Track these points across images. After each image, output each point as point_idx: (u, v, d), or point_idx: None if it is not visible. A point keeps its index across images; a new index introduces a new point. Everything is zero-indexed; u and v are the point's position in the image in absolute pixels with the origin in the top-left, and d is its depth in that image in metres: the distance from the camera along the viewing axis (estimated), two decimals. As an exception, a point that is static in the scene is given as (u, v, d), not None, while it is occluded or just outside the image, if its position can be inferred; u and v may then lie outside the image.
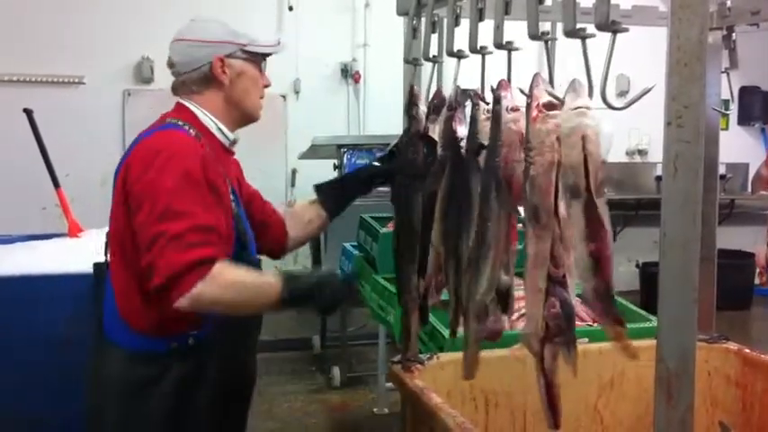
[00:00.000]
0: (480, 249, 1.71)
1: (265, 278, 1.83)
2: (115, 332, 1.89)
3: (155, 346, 1.85)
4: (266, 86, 2.07)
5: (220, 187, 1.86)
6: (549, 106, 1.55)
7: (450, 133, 1.82)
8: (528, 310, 1.66)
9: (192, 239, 1.71)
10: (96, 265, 2.01)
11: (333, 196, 2.25)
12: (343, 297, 1.89)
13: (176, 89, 2.00)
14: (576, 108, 1.48)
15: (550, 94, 1.58)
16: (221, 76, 1.93)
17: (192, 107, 1.95)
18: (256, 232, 2.12)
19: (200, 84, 1.95)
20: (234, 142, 2.02)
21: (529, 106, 1.57)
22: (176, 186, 1.75)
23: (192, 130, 1.90)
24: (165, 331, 1.85)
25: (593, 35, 1.50)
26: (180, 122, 1.91)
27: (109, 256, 1.92)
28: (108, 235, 1.95)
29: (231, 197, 1.93)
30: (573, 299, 1.63)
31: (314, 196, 2.25)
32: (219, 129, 1.96)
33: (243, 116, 2.02)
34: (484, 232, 1.70)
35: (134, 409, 1.86)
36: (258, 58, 2.00)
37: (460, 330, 1.90)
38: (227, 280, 1.73)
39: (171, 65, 1.98)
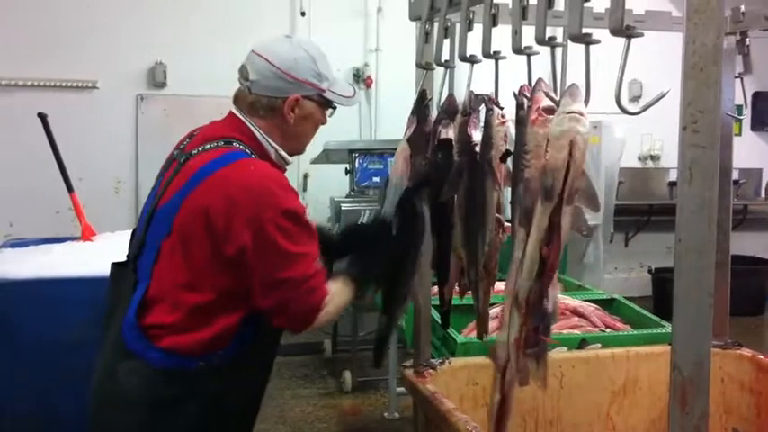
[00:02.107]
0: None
1: (347, 289, 1.91)
2: (136, 344, 1.82)
3: (182, 364, 1.80)
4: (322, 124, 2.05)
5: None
6: (550, 111, 1.54)
7: (465, 139, 1.82)
8: (507, 316, 1.63)
9: (314, 282, 1.80)
10: (115, 266, 1.96)
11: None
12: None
13: (240, 102, 1.95)
14: (569, 112, 1.47)
15: (549, 98, 1.57)
16: (288, 115, 1.90)
17: (255, 130, 1.92)
18: None
19: (267, 110, 1.91)
20: (288, 164, 2.01)
21: (529, 109, 1.57)
22: (286, 230, 1.76)
23: (254, 156, 1.88)
24: (195, 351, 1.81)
25: (597, 41, 1.49)
26: (245, 148, 1.88)
27: (151, 271, 1.85)
28: (138, 242, 1.90)
29: None
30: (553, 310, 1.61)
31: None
32: (279, 154, 1.94)
33: (291, 149, 1.99)
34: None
35: (157, 427, 1.81)
36: (330, 103, 1.97)
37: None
38: (333, 308, 1.84)
39: (246, 78, 1.93)
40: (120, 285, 1.91)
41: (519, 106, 1.66)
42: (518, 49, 1.75)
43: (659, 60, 4.59)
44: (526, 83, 1.71)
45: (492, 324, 2.13)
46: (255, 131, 1.91)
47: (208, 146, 1.90)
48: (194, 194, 1.80)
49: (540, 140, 1.53)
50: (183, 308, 1.80)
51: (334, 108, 1.98)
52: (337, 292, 1.87)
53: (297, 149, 2.01)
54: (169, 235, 1.81)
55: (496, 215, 1.77)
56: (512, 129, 1.67)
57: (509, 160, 1.71)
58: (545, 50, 1.70)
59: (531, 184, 1.54)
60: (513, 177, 1.66)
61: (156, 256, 1.83)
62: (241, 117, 1.94)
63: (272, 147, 1.92)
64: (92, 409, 1.90)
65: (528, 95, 1.64)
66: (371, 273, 1.98)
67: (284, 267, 1.76)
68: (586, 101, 1.49)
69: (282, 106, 1.89)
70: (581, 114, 1.45)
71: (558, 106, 1.53)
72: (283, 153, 1.94)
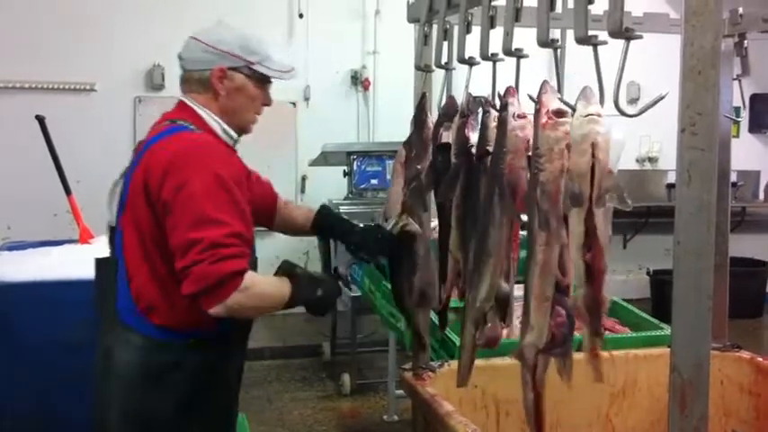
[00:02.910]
0: (481, 256, 1.71)
1: (282, 287, 1.91)
2: (132, 319, 1.91)
3: (173, 338, 1.89)
4: (265, 105, 2.08)
5: (241, 191, 1.88)
6: (559, 113, 1.54)
7: (463, 141, 1.82)
8: (533, 318, 1.64)
9: (227, 251, 1.75)
10: (99, 261, 2.02)
11: (328, 224, 2.29)
12: (335, 301, 2.06)
13: (181, 84, 2.02)
14: (587, 115, 1.47)
15: (562, 101, 1.58)
16: (217, 86, 1.95)
17: (195, 107, 1.97)
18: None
19: (199, 86, 1.97)
20: (236, 141, 2.04)
21: (538, 113, 1.57)
22: (209, 192, 1.78)
23: (198, 132, 1.93)
24: (185, 327, 1.89)
25: (605, 42, 1.50)
26: (188, 125, 1.93)
27: (122, 253, 1.94)
28: (112, 232, 1.98)
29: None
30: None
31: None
32: (224, 129, 1.98)
33: (234, 124, 2.02)
34: (485, 239, 1.70)
35: (150, 393, 1.89)
36: (264, 78, 2.01)
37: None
38: (257, 292, 1.83)
39: (180, 57, 2.01)
40: (102, 272, 2.01)
41: (502, 107, 1.67)
42: (509, 51, 1.75)
43: (657, 62, 4.59)
44: (513, 86, 1.72)
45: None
46: (198, 109, 1.96)
47: (161, 125, 1.99)
48: (137, 170, 1.91)
49: (551, 144, 1.54)
50: (150, 282, 1.88)
51: (270, 82, 2.03)
52: (266, 282, 1.88)
53: (239, 125, 2.03)
54: (124, 213, 1.92)
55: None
56: (529, 129, 1.67)
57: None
58: (543, 53, 1.71)
59: (548, 187, 1.54)
60: (489, 179, 1.68)
61: (121, 237, 1.93)
62: (186, 101, 1.99)
63: (215, 121, 1.96)
64: (95, 385, 1.98)
65: (512, 98, 1.66)
66: (318, 288, 1.97)
67: (197, 228, 1.76)
68: (600, 102, 1.49)
69: (211, 78, 1.94)
70: (598, 115, 1.46)
71: (567, 108, 1.54)
72: (227, 128, 1.98)
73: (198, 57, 1.96)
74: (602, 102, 1.49)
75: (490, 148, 1.72)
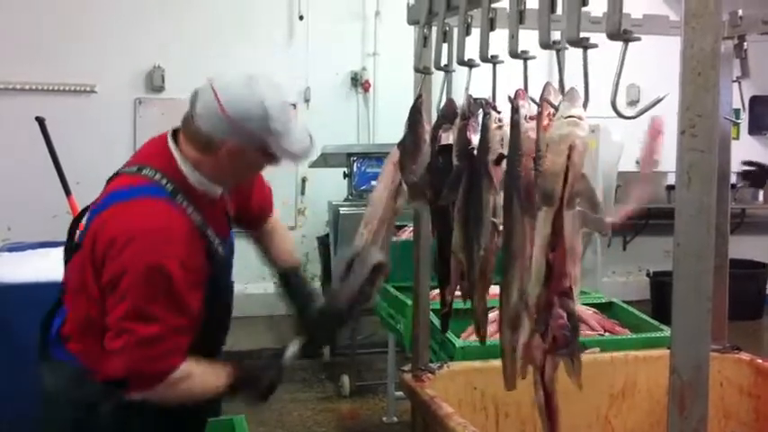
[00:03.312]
0: (507, 260, 1.70)
1: (217, 381, 1.86)
2: (54, 347, 1.90)
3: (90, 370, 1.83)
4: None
5: (198, 270, 1.81)
6: None
7: (464, 143, 1.82)
8: (524, 319, 1.64)
9: (156, 351, 1.72)
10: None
11: (289, 291, 2.22)
12: (275, 388, 1.98)
13: (184, 126, 1.89)
14: (568, 117, 1.47)
15: (548, 103, 1.57)
16: (223, 155, 1.83)
17: (180, 161, 1.87)
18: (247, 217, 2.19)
19: (203, 145, 1.84)
20: (221, 194, 1.96)
21: (540, 115, 1.57)
22: (146, 284, 1.71)
23: (169, 185, 1.83)
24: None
25: (595, 45, 1.50)
26: (161, 179, 1.83)
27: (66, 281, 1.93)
28: (67, 254, 1.97)
29: (215, 245, 1.90)
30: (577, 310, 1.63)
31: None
32: (207, 187, 1.89)
33: (220, 184, 1.94)
34: (509, 242, 1.69)
35: (82, 425, 1.85)
36: (276, 157, 1.89)
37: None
38: (184, 387, 1.79)
39: (193, 105, 1.84)
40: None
41: (513, 110, 1.67)
42: (515, 54, 1.75)
43: (657, 65, 4.59)
44: (522, 87, 1.72)
45: (490, 328, 2.13)
46: (179, 160, 1.86)
47: (127, 169, 1.91)
48: (96, 220, 1.84)
49: None
50: (75, 318, 1.86)
51: (277, 161, 1.90)
52: (198, 377, 1.82)
53: (226, 186, 1.95)
54: (77, 252, 1.88)
55: (492, 219, 1.77)
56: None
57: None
58: (542, 55, 1.71)
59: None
60: (507, 181, 1.67)
61: (67, 268, 1.94)
62: (171, 145, 1.89)
63: (198, 178, 1.87)
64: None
65: (522, 101, 1.65)
66: (256, 378, 1.93)
67: (131, 320, 1.71)
68: (585, 105, 1.49)
69: (220, 148, 1.82)
70: (580, 118, 1.46)
71: (555, 110, 1.54)
72: (210, 185, 1.89)
73: (214, 123, 1.80)
74: (586, 104, 1.50)
75: (502, 152, 1.72)
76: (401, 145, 2.07)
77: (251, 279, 5.43)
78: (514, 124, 1.65)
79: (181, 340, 1.77)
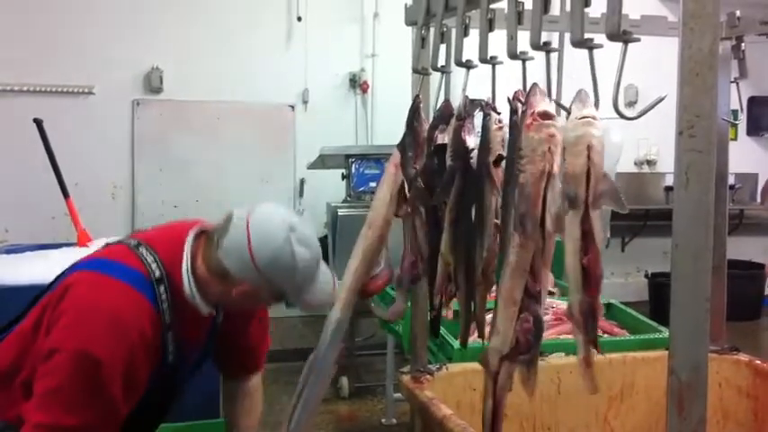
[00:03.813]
0: (504, 238, 1.68)
1: None
2: None
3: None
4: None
5: (140, 372, 1.72)
6: (544, 115, 1.54)
7: (459, 143, 1.82)
8: (499, 322, 1.62)
9: None
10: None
11: None
12: None
13: (208, 238, 1.80)
14: (582, 117, 1.47)
15: (558, 104, 1.57)
16: (236, 293, 1.77)
17: (185, 267, 1.77)
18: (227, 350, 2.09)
19: (219, 274, 1.77)
20: (208, 313, 1.84)
21: (523, 114, 1.57)
22: (78, 371, 1.62)
23: (158, 272, 1.75)
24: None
25: (600, 45, 1.50)
26: (151, 263, 1.76)
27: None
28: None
29: (169, 352, 1.79)
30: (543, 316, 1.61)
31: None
32: (198, 303, 1.79)
33: (218, 306, 1.87)
34: (505, 242, 1.68)
35: None
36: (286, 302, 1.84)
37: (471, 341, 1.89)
38: None
39: (224, 232, 1.75)
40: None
41: (513, 111, 1.67)
42: (513, 54, 1.75)
43: (655, 65, 4.59)
44: (521, 88, 1.71)
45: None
46: (185, 268, 1.77)
47: (129, 240, 1.85)
48: (68, 277, 1.81)
49: (535, 145, 1.53)
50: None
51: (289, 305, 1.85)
52: None
53: (218, 309, 1.88)
54: (35, 304, 1.85)
55: (495, 221, 1.77)
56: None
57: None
58: (541, 55, 1.70)
59: (526, 189, 1.54)
60: (506, 182, 1.67)
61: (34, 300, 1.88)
62: (187, 247, 1.79)
63: (196, 297, 1.77)
64: None
65: (522, 100, 1.64)
66: None
67: (47, 405, 1.63)
68: (596, 105, 1.49)
69: (235, 284, 1.75)
70: (593, 118, 1.45)
71: (554, 111, 1.54)
72: (202, 304, 1.79)
73: (239, 264, 1.72)
74: (597, 105, 1.49)
75: (503, 153, 1.72)
76: (401, 146, 2.06)
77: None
78: (513, 125, 1.65)
79: None
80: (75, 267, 1.85)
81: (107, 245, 1.90)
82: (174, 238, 1.82)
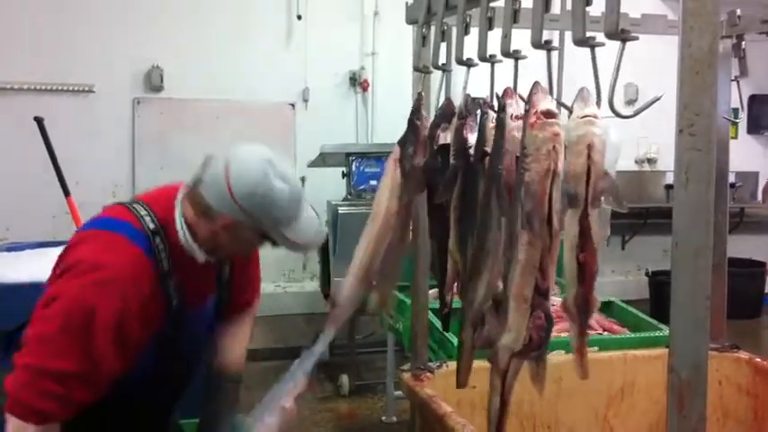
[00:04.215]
0: (479, 257, 1.71)
1: None
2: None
3: None
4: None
5: (140, 322, 1.74)
6: (548, 114, 1.54)
7: (461, 142, 1.82)
8: (511, 320, 1.63)
9: (52, 388, 1.63)
10: None
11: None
12: None
13: (189, 184, 1.84)
14: (583, 116, 1.47)
15: (559, 103, 1.58)
16: (218, 228, 1.79)
17: (177, 214, 1.81)
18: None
19: (202, 212, 1.80)
20: (205, 261, 1.85)
21: (527, 113, 1.57)
22: (70, 320, 1.66)
23: (152, 224, 1.80)
24: None
25: (602, 44, 1.50)
26: (145, 216, 1.81)
27: None
28: None
29: (173, 300, 1.82)
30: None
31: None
32: (193, 249, 1.80)
33: (209, 252, 1.85)
34: (483, 239, 1.69)
35: None
36: (272, 240, 1.84)
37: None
38: None
39: (203, 167, 1.81)
40: None
41: (500, 108, 1.67)
42: (507, 53, 1.75)
43: (656, 64, 4.59)
44: (519, 87, 1.72)
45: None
46: (178, 215, 1.80)
47: (125, 201, 1.90)
48: (71, 240, 1.85)
49: (539, 144, 1.53)
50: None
51: (276, 244, 1.84)
52: None
53: (214, 256, 1.87)
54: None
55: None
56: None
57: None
58: (537, 54, 1.71)
59: (532, 187, 1.54)
60: (487, 179, 1.67)
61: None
62: (179, 195, 1.83)
63: (188, 241, 1.79)
64: None
65: (510, 99, 1.65)
66: None
67: (39, 346, 1.66)
68: (597, 103, 1.49)
69: (216, 219, 1.78)
70: (595, 117, 1.46)
71: (558, 109, 1.54)
72: (197, 249, 1.80)
73: (218, 196, 1.76)
74: (599, 103, 1.49)
75: (488, 150, 1.72)
76: (401, 142, 2.07)
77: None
78: (499, 123, 1.65)
79: (71, 394, 1.66)
80: (78, 230, 1.91)
81: (106, 206, 1.94)
82: (168, 194, 1.87)
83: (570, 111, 1.51)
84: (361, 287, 2.11)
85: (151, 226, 1.81)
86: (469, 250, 1.80)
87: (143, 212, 1.83)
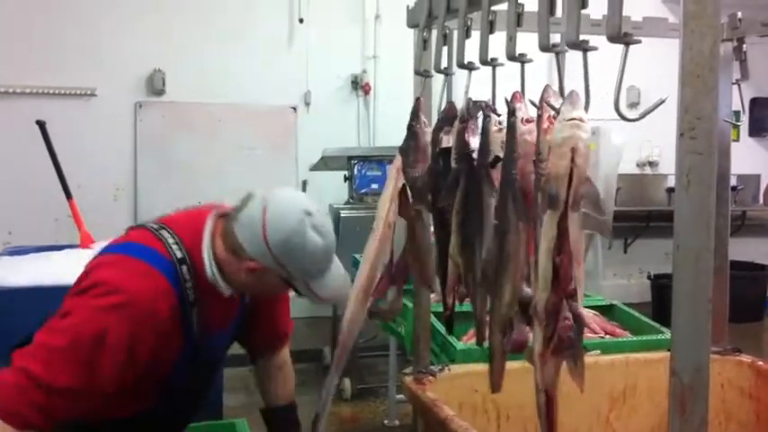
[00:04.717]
0: (500, 262, 1.70)
1: None
2: None
3: None
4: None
5: (143, 357, 1.72)
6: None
7: (463, 145, 1.82)
8: (540, 270, 1.63)
9: (40, 400, 1.61)
10: None
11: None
12: None
13: (225, 221, 1.82)
14: (570, 119, 1.47)
15: (549, 105, 1.57)
16: (249, 272, 1.77)
17: (205, 244, 1.80)
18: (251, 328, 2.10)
19: (233, 251, 1.78)
20: (231, 294, 1.85)
21: (540, 118, 1.57)
22: (76, 339, 1.64)
23: (179, 253, 1.78)
24: None
25: (595, 48, 1.50)
26: (173, 244, 1.78)
27: None
28: None
29: (194, 334, 1.81)
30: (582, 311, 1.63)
31: None
32: (219, 283, 1.80)
33: (235, 289, 1.84)
34: (503, 244, 1.69)
35: None
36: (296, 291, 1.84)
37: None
38: None
39: (240, 209, 1.78)
40: None
41: (510, 112, 1.67)
42: (512, 56, 1.75)
43: (656, 66, 4.60)
44: (519, 90, 1.72)
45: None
46: (206, 246, 1.79)
47: (151, 224, 1.86)
48: (93, 261, 1.82)
49: (554, 146, 1.54)
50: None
51: (300, 294, 1.84)
52: None
53: (238, 292, 1.87)
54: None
55: (495, 222, 1.77)
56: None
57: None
58: (540, 57, 1.71)
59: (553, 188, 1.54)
60: (502, 184, 1.67)
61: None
62: (208, 225, 1.82)
63: (215, 275, 1.78)
64: None
65: (519, 103, 1.65)
66: None
67: (44, 358, 1.63)
68: (586, 107, 1.49)
69: (246, 261, 1.76)
70: (581, 120, 1.46)
71: (556, 113, 1.54)
72: (222, 283, 1.80)
73: (252, 240, 1.74)
74: (587, 107, 1.50)
75: (500, 155, 1.72)
76: (402, 149, 2.07)
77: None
78: (510, 127, 1.65)
79: (60, 406, 1.64)
80: (99, 253, 1.87)
81: (130, 228, 1.92)
82: (195, 221, 1.84)
83: (557, 113, 1.51)
84: (363, 309, 2.10)
85: (179, 255, 1.78)
86: (475, 254, 1.80)
87: (170, 240, 1.79)
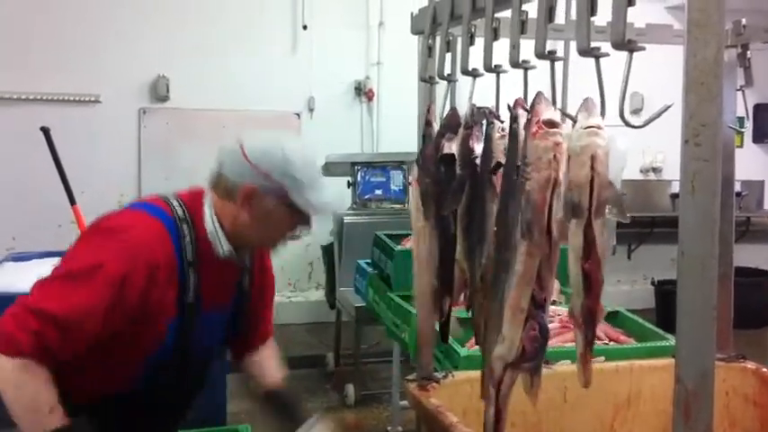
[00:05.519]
0: (499, 268, 1.70)
1: (43, 413, 1.69)
2: None
3: None
4: (291, 237, 1.97)
5: (133, 298, 1.76)
6: (550, 124, 1.54)
7: (467, 152, 1.82)
8: (505, 330, 1.62)
9: (32, 323, 1.67)
10: None
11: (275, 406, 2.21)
12: None
13: (211, 178, 1.96)
14: (587, 127, 1.47)
15: (563, 113, 1.58)
16: (243, 203, 1.87)
17: (206, 206, 1.91)
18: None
19: (226, 193, 1.89)
20: (228, 256, 1.92)
21: (528, 122, 1.57)
22: (74, 273, 1.76)
23: (180, 210, 1.89)
24: None
25: (607, 54, 1.50)
26: (174, 201, 1.91)
27: None
28: None
29: (189, 292, 1.86)
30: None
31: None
32: (218, 238, 1.89)
33: (243, 243, 1.93)
34: (501, 251, 1.69)
35: None
36: (294, 206, 1.89)
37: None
38: (17, 377, 1.67)
39: (219, 153, 1.93)
40: None
41: (512, 119, 1.67)
42: (516, 63, 1.75)
43: (660, 73, 4.60)
44: (521, 97, 1.72)
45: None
46: (207, 209, 1.90)
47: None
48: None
49: (540, 153, 1.54)
50: None
51: (307, 223, 1.90)
52: (27, 385, 1.67)
53: (249, 245, 1.94)
54: None
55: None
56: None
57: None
58: (544, 64, 1.71)
59: (533, 196, 1.54)
60: (504, 189, 1.67)
61: None
62: (203, 194, 1.94)
63: (215, 230, 1.88)
64: None
65: (523, 109, 1.65)
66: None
67: (45, 289, 1.75)
68: (602, 113, 1.49)
69: (239, 194, 1.86)
70: (599, 128, 1.46)
71: (562, 119, 1.54)
72: (224, 240, 1.88)
73: (235, 169, 1.87)
74: (603, 114, 1.50)
75: (500, 161, 1.72)
76: (418, 161, 2.07)
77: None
78: (513, 134, 1.66)
79: (51, 334, 1.68)
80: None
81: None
82: (198, 194, 1.96)
83: (574, 121, 1.51)
84: (432, 314, 2.09)
85: (180, 213, 1.88)
86: (479, 260, 1.80)
87: (175, 202, 1.91)
